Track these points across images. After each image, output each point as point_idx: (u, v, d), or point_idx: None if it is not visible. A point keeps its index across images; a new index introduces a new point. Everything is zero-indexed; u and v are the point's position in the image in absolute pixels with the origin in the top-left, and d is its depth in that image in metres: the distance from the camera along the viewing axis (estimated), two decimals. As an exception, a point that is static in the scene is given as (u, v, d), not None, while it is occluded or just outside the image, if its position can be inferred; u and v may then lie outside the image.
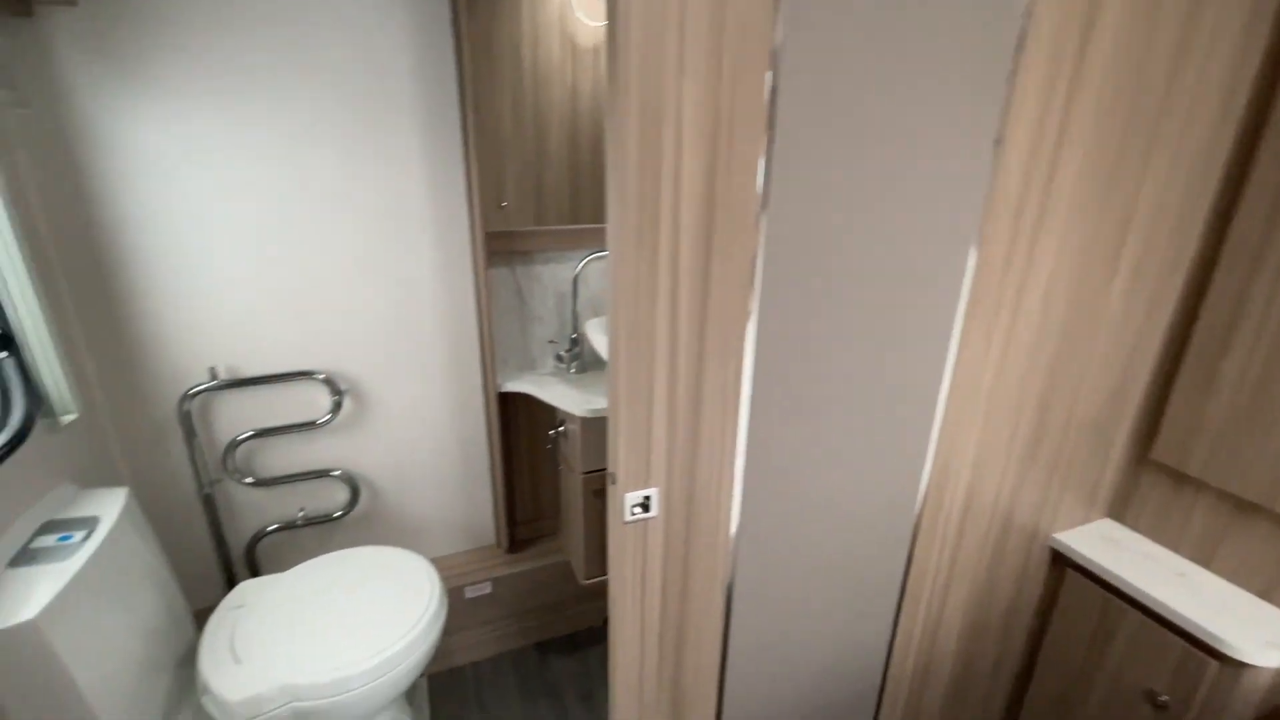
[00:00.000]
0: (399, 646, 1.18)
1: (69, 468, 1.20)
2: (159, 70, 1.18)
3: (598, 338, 1.55)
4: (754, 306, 0.78)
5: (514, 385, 1.62)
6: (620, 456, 0.77)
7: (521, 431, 1.76)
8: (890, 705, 1.19)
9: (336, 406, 1.50)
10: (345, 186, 1.37)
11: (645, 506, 0.80)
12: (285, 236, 1.36)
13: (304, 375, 1.46)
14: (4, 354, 1.09)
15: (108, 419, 1.34)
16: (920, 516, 1.03)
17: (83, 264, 1.24)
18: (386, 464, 1.63)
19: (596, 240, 1.65)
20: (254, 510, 1.54)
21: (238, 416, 1.45)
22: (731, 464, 0.84)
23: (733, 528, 0.89)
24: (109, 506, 1.15)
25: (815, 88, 0.72)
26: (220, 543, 1.51)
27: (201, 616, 1.33)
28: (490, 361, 1.57)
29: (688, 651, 0.94)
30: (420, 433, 1.64)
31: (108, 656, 1.02)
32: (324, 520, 1.59)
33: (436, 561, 1.76)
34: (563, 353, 1.67)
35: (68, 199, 1.20)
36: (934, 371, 0.93)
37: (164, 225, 1.27)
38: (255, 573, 1.57)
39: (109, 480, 1.32)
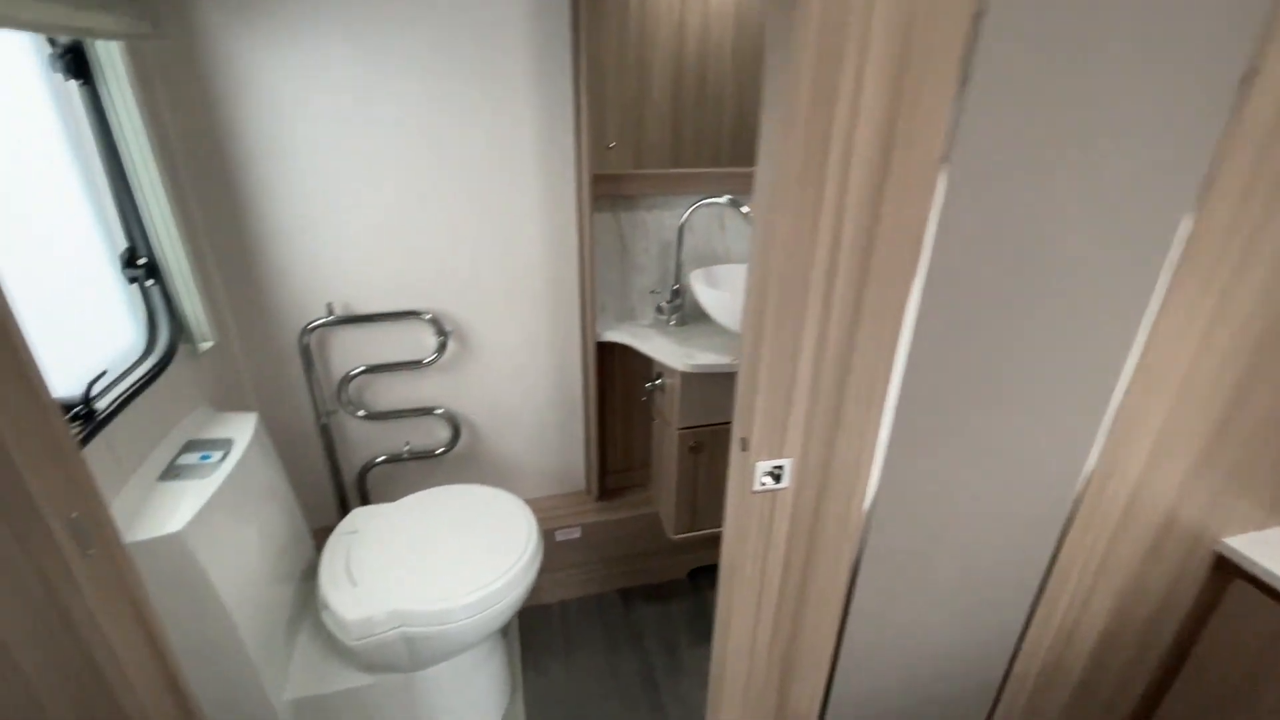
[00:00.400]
0: (498, 584, 1.21)
1: (206, 391, 1.27)
2: (286, 4, 1.17)
3: (702, 290, 1.48)
4: (922, 265, 0.68)
5: (613, 335, 1.58)
6: (755, 422, 0.71)
7: (617, 381, 1.73)
8: (1009, 703, 1.11)
9: (441, 347, 1.52)
10: (459, 125, 1.33)
11: (776, 477, 0.75)
12: (399, 177, 1.35)
13: (412, 315, 1.48)
14: (151, 282, 1.15)
15: (238, 348, 1.42)
16: (1076, 508, 0.92)
17: (216, 197, 1.28)
18: (486, 405, 1.66)
19: (701, 186, 1.55)
20: (364, 441, 1.61)
21: (351, 351, 1.50)
22: (875, 436, 0.77)
23: (866, 503, 0.82)
24: (241, 430, 1.21)
25: (1027, 12, 0.59)
26: (335, 470, 1.59)
27: (318, 536, 1.42)
28: (591, 309, 1.53)
29: (805, 624, 0.89)
30: (519, 377, 1.64)
31: (242, 567, 1.10)
32: (427, 456, 1.64)
33: (529, 503, 1.79)
34: (663, 304, 1.61)
35: (201, 132, 1.23)
36: (1120, 349, 0.80)
37: (288, 162, 1.29)
38: (365, 500, 1.65)
39: (239, 405, 1.40)
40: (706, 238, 1.63)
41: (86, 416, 0.93)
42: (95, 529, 0.60)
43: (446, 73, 1.29)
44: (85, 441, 0.91)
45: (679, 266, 1.58)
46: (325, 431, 1.54)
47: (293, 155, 1.28)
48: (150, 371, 1.10)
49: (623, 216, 1.55)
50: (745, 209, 1.47)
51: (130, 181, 1.09)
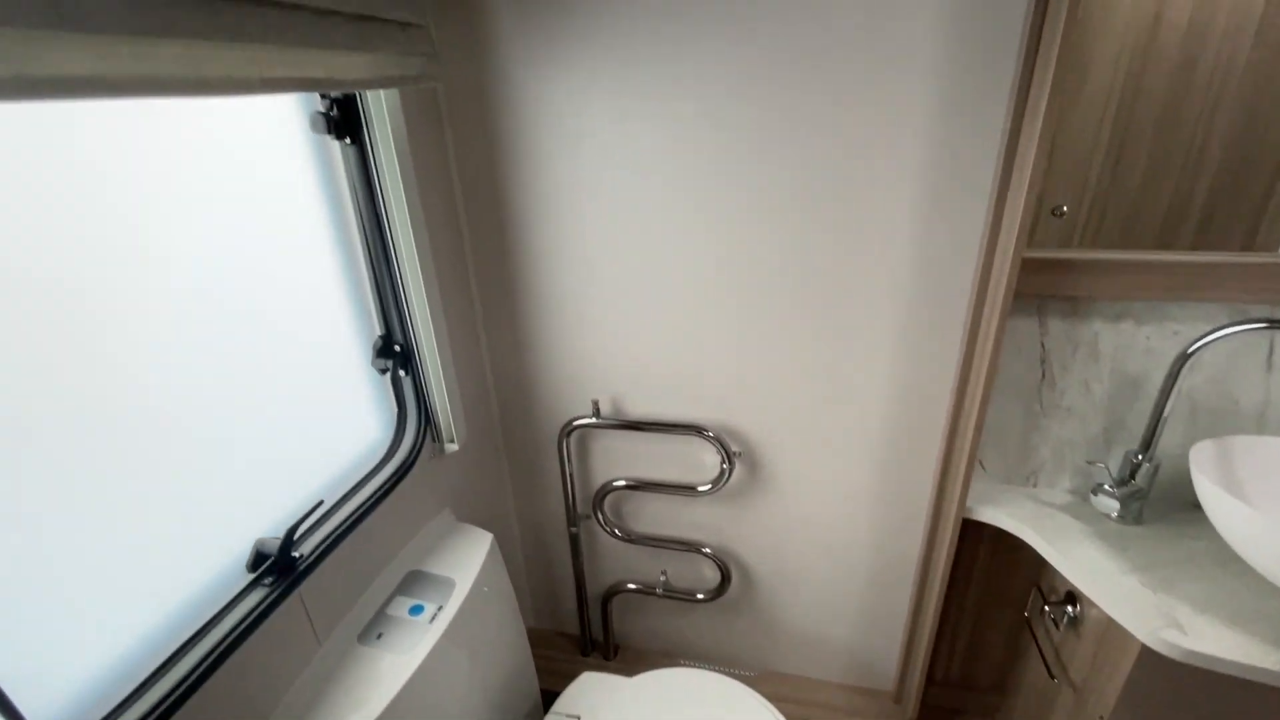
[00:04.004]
0: None
1: (446, 497, 1.06)
2: (587, 35, 0.84)
3: (1214, 494, 0.76)
4: None
5: (992, 512, 0.96)
6: None
7: (978, 567, 1.10)
8: None
9: (723, 475, 1.10)
10: (802, 176, 0.87)
11: None
12: (699, 255, 0.95)
13: (691, 429, 1.08)
14: (404, 372, 0.96)
15: (491, 446, 1.21)
16: None
17: (493, 273, 1.06)
18: (769, 552, 1.19)
19: (1232, 286, 0.81)
20: (614, 559, 1.30)
21: (614, 458, 1.17)
22: None
23: None
24: (470, 558, 0.97)
25: None
26: (579, 584, 1.31)
27: (550, 643, 1.14)
28: (965, 467, 0.93)
29: None
30: (823, 527, 1.13)
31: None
32: (685, 598, 1.25)
33: (806, 686, 1.29)
34: (1109, 484, 0.92)
35: (487, 199, 1.00)
36: None
37: (574, 232, 0.99)
38: (606, 622, 1.35)
39: (481, 509, 1.19)
40: (1227, 381, 0.87)
41: (282, 571, 0.73)
42: None
43: (792, 100, 0.83)
44: (270, 609, 0.70)
45: (1158, 424, 0.87)
46: (574, 541, 1.26)
47: (579, 229, 0.98)
48: (385, 485, 0.90)
49: (1053, 326, 0.90)
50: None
51: (390, 254, 0.89)
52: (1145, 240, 0.88)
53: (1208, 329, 0.80)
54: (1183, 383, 0.86)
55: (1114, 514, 0.92)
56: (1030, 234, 0.79)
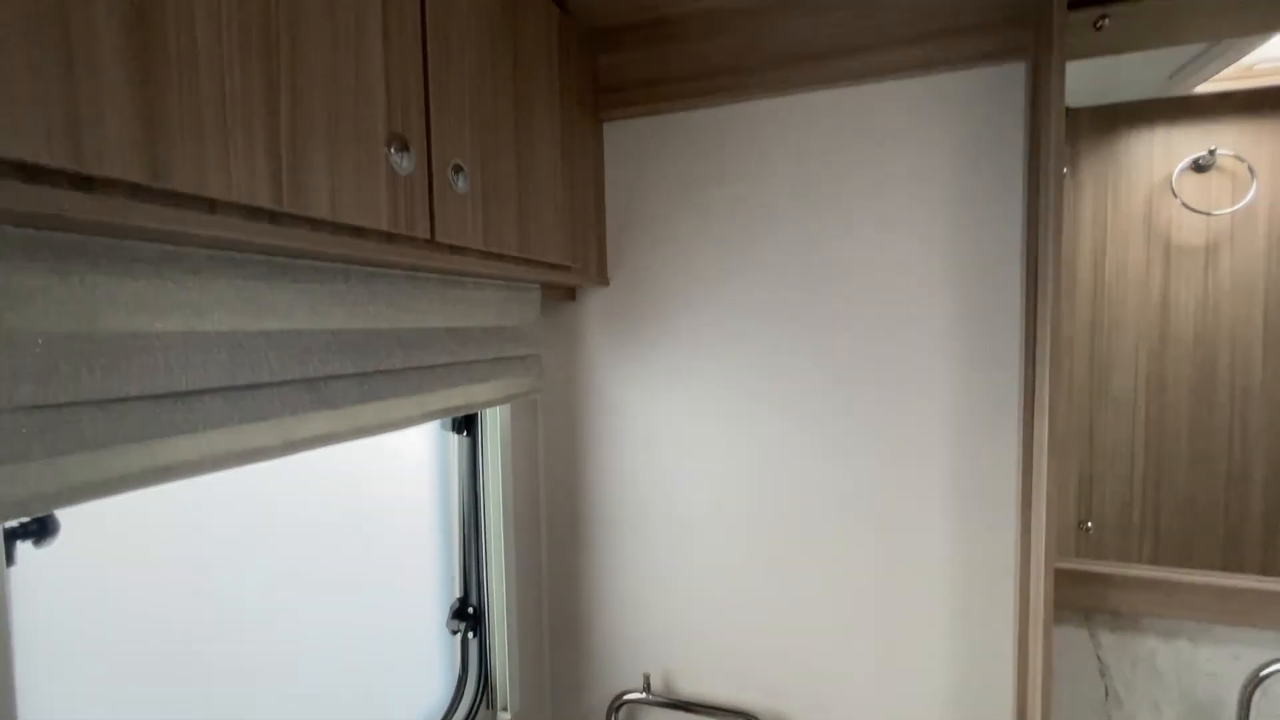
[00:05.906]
0: None
1: (491, 773, 1.05)
2: (662, 338, 1.08)
3: None
4: None
5: None
6: None
7: None
8: None
9: (777, 773, 1.04)
10: (849, 489, 0.99)
11: None
12: (750, 543, 1.05)
13: (743, 716, 1.06)
14: (473, 635, 1.03)
15: (549, 711, 1.21)
16: None
17: (562, 546, 1.18)
18: None
19: None
20: None
21: (663, 740, 1.14)
22: None
23: None
24: None
25: None
26: None
27: None
28: (1039, 795, 0.86)
29: None
30: None
31: None
32: None
33: None
34: (1209, 834, 0.83)
35: (566, 482, 1.17)
36: None
37: (637, 518, 1.12)
38: None
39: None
40: (1311, 716, 0.83)
41: None
42: None
43: (828, 426, 0.99)
44: None
45: (1244, 764, 0.82)
46: (614, 838, 1.16)
47: (642, 516, 1.11)
48: (437, 755, 0.92)
49: (1104, 640, 0.91)
50: None
51: (480, 527, 1.03)
52: (1209, 555, 0.90)
53: (1273, 655, 0.80)
54: (1258, 713, 0.82)
55: None
56: (1066, 545, 0.85)
